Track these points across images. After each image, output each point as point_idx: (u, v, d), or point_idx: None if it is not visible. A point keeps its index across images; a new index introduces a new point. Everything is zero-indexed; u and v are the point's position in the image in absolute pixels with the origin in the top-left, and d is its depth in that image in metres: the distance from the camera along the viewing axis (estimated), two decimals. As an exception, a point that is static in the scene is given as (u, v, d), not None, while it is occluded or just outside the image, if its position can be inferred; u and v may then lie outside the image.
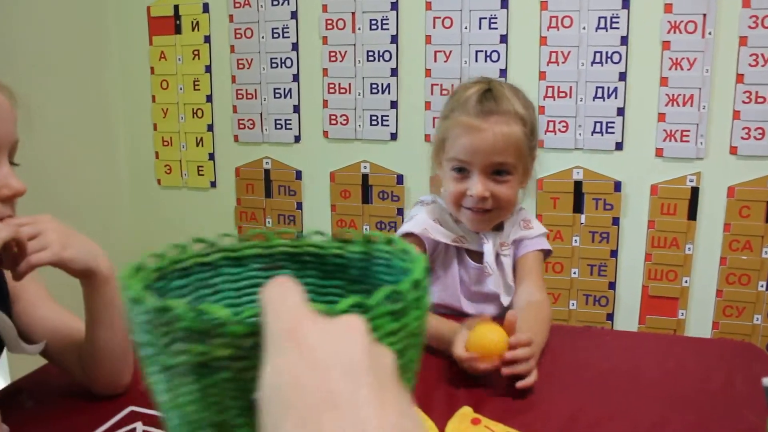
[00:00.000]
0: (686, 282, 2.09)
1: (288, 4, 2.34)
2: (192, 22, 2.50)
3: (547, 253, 1.32)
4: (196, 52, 2.51)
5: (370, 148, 2.34)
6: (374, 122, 2.30)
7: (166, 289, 0.51)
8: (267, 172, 2.51)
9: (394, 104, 2.27)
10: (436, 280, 1.27)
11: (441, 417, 0.83)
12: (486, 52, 2.15)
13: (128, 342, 0.86)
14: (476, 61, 2.16)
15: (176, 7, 2.50)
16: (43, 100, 2.26)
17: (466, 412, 0.85)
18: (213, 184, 2.62)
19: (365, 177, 2.35)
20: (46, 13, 2.27)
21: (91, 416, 0.82)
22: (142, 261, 0.48)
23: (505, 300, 1.24)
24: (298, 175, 2.46)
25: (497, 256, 1.25)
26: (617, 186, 2.08)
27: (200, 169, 2.62)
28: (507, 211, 1.22)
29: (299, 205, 2.49)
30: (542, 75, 2.10)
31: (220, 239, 0.55)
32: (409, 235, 1.23)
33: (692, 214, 2.04)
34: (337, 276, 0.60)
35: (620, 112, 2.06)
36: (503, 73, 2.13)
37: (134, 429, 0.78)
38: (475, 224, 1.22)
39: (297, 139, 2.44)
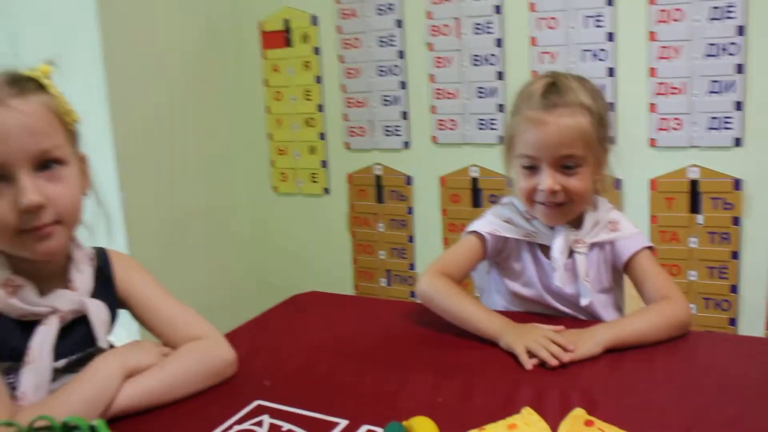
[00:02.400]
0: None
1: (393, 12, 2.54)
2: (302, 35, 2.76)
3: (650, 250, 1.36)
4: (306, 64, 2.78)
5: (478, 152, 2.51)
6: (482, 126, 2.47)
7: None
8: (378, 177, 2.74)
9: (501, 108, 2.43)
10: (516, 276, 1.39)
11: (554, 418, 0.89)
12: (593, 51, 2.25)
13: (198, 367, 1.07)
14: (583, 60, 2.27)
15: (286, 21, 2.77)
16: (161, 114, 2.61)
17: (579, 414, 0.91)
18: (326, 191, 2.89)
19: (475, 180, 2.52)
20: (164, 30, 2.63)
21: (222, 409, 1.01)
22: None
23: (582, 300, 1.30)
24: (408, 180, 2.67)
25: (571, 253, 1.32)
26: (737, 184, 2.14)
27: (314, 176, 2.90)
28: (580, 203, 1.28)
29: (410, 210, 2.70)
30: (652, 71, 2.19)
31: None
32: (473, 233, 1.37)
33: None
34: None
35: (738, 106, 2.11)
36: (612, 71, 2.23)
37: (261, 421, 0.97)
38: (550, 218, 1.30)
39: (406, 144, 2.65)
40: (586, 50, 2.27)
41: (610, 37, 2.23)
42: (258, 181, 3.05)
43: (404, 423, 0.88)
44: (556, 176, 1.24)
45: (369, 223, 2.82)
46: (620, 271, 1.36)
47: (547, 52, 2.32)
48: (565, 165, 1.24)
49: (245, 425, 0.96)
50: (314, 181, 2.91)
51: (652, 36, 2.18)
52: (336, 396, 1.03)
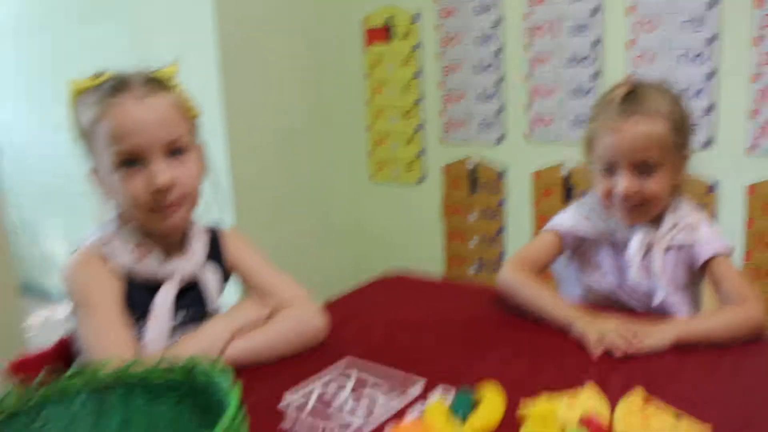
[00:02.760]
0: None
1: (491, 12, 2.62)
2: (403, 32, 2.88)
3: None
4: (406, 59, 2.89)
5: (572, 150, 2.55)
6: (576, 124, 2.52)
7: None
8: (471, 170, 2.83)
9: (595, 106, 2.46)
10: (593, 270, 1.45)
11: (614, 397, 0.95)
12: (691, 54, 2.26)
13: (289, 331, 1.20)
14: (681, 63, 2.28)
15: (388, 18, 2.89)
16: (268, 106, 2.80)
17: (638, 392, 0.96)
18: (421, 181, 3.00)
19: (566, 177, 2.57)
20: (274, 27, 2.80)
21: (316, 363, 1.14)
22: None
23: (655, 298, 1.36)
24: (501, 173, 2.75)
25: (647, 252, 1.36)
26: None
27: (410, 166, 3.02)
28: (656, 206, 1.33)
29: (501, 202, 2.78)
30: (753, 77, 2.17)
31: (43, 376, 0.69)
32: (553, 228, 1.44)
33: None
34: (167, 396, 0.74)
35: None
36: (710, 76, 2.23)
37: (350, 373, 1.09)
38: (627, 219, 1.34)
39: (501, 139, 2.72)
40: (681, 55, 2.28)
41: (711, 40, 2.23)
42: (356, 170, 3.21)
43: (475, 387, 0.98)
44: (632, 180, 1.29)
45: (461, 213, 2.92)
46: (698, 271, 1.39)
47: (641, 55, 2.35)
48: (641, 169, 1.29)
49: (335, 378, 1.09)
50: (410, 171, 3.04)
51: (755, 42, 2.17)
52: (416, 362, 1.14)
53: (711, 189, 2.28)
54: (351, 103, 3.14)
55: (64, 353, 1.27)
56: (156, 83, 1.13)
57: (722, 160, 2.26)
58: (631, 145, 1.28)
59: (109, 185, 1.13)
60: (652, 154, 1.28)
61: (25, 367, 1.20)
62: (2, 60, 3.81)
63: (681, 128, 1.31)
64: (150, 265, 1.16)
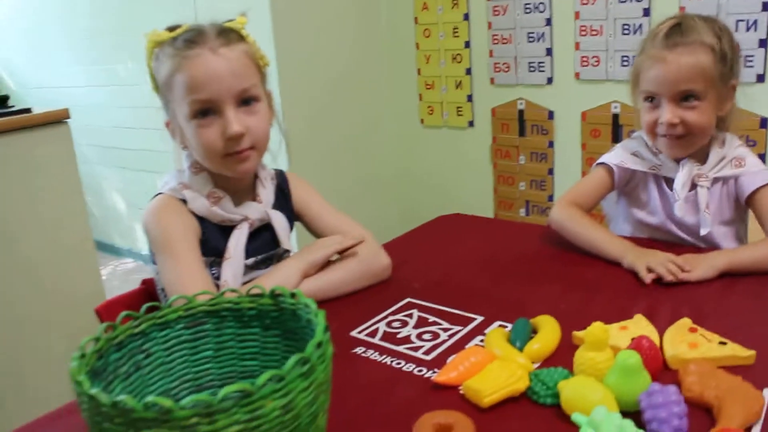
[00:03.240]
0: None
1: (542, -50, 2.60)
2: (452, -26, 2.87)
3: None
4: (455, 2, 2.91)
5: (620, 89, 2.55)
6: (625, 63, 2.51)
7: (105, 365, 0.71)
8: (521, 112, 2.85)
9: (646, 44, 2.45)
10: (642, 206, 1.50)
11: (662, 326, 1.00)
12: (747, -14, 2.22)
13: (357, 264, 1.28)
14: (736, -4, 2.24)
15: (437, -39, 2.89)
16: (319, 52, 2.85)
17: (685, 322, 1.01)
18: (471, 124, 3.03)
19: (615, 117, 2.58)
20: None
21: (380, 303, 1.23)
22: (82, 348, 0.67)
23: (702, 230, 1.38)
24: (551, 115, 2.77)
25: (693, 186, 1.40)
26: None
27: (459, 110, 3.05)
28: (701, 137, 1.35)
29: (551, 144, 2.80)
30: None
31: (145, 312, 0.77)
32: (602, 165, 1.49)
33: None
34: (253, 325, 0.81)
35: None
36: (766, 6, 2.19)
37: (411, 314, 1.18)
38: (671, 150, 1.38)
39: (549, 80, 2.74)
40: (738, -14, 2.24)
41: (766, -29, 2.19)
42: (407, 114, 3.25)
43: (531, 320, 1.05)
44: (675, 110, 1.32)
45: (510, 156, 2.95)
46: (743, 205, 1.42)
47: (697, -12, 2.31)
48: (684, 99, 1.32)
49: (398, 316, 1.17)
50: (459, 115, 3.07)
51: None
52: (473, 298, 1.21)
53: (763, 123, 2.27)
54: (401, 48, 3.16)
55: (144, 296, 1.38)
56: (229, 34, 1.18)
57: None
58: (675, 75, 1.30)
59: (185, 135, 1.20)
60: (696, 85, 1.31)
61: (111, 310, 1.31)
62: (72, 25, 3.91)
63: (726, 60, 1.32)
64: (223, 208, 1.24)
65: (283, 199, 1.36)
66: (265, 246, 1.31)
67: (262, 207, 1.29)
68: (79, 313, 2.07)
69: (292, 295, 0.79)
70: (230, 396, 0.57)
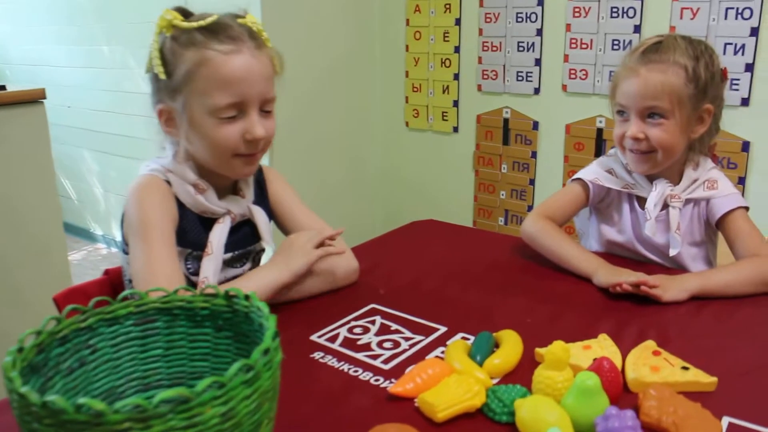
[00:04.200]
0: None
1: (536, -40, 2.60)
2: (445, -22, 2.86)
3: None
4: (447, 6, 2.90)
5: (606, 104, 2.54)
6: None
7: (46, 360, 0.67)
8: (506, 120, 2.84)
9: (634, 61, 2.45)
10: (612, 223, 1.50)
11: (627, 347, 1.00)
12: (737, 9, 2.22)
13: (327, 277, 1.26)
14: (725, 18, 2.25)
15: (431, -37, 2.88)
16: (309, 49, 2.82)
17: (649, 344, 1.01)
18: (455, 129, 3.03)
19: (600, 131, 2.58)
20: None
21: (344, 308, 1.21)
22: (21, 342, 0.64)
23: (671, 251, 1.38)
24: (535, 125, 2.76)
25: (665, 206, 1.40)
26: None
27: (444, 114, 3.04)
28: (666, 155, 1.35)
29: (533, 154, 2.80)
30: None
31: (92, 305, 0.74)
32: (578, 180, 1.49)
33: None
34: (206, 325, 0.79)
35: None
36: (754, 31, 2.20)
37: (374, 320, 1.16)
38: (636, 165, 1.38)
39: (536, 91, 2.73)
40: (729, 8, 2.25)
41: (757, -5, 2.20)
42: (392, 116, 3.23)
43: (494, 334, 1.04)
44: (640, 125, 1.33)
45: (493, 164, 2.94)
46: (714, 227, 1.42)
47: (689, 8, 2.31)
48: (650, 115, 1.33)
49: (361, 322, 1.15)
50: (445, 120, 3.06)
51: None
52: (438, 308, 1.20)
53: (745, 147, 2.28)
54: (390, 49, 3.15)
55: (106, 287, 1.35)
56: (259, 38, 1.17)
57: (758, 119, 2.25)
58: (643, 91, 1.31)
59: (191, 127, 1.15)
60: (661, 103, 1.31)
61: (70, 299, 1.27)
62: (55, 3, 3.86)
63: (699, 83, 1.31)
64: (208, 199, 1.21)
65: (261, 195, 1.34)
66: (241, 241, 1.28)
67: (245, 202, 1.27)
68: (44, 299, 2.03)
69: (246, 297, 0.77)
70: (167, 401, 0.55)
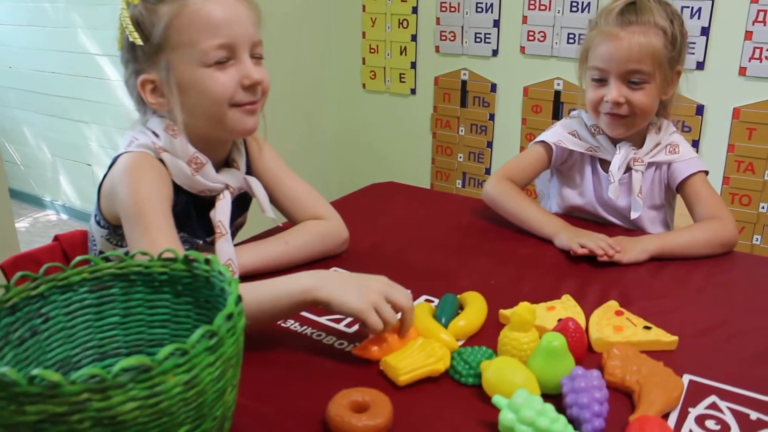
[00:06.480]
0: None
1: None
2: (402, -64, 2.81)
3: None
4: (404, -35, 2.84)
5: (564, 66, 2.55)
6: (571, 41, 2.51)
7: None
8: (464, 83, 2.82)
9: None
10: (574, 186, 1.50)
11: (590, 308, 1.01)
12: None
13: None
14: (682, -20, 2.26)
15: None
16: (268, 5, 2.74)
17: (611, 304, 1.02)
18: (413, 92, 3.00)
19: (557, 93, 2.58)
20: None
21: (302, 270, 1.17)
22: None
23: (632, 214, 1.39)
24: (493, 87, 2.75)
25: (628, 169, 1.41)
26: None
27: (402, 76, 3.00)
28: (643, 118, 1.35)
29: (491, 117, 2.79)
30: (752, -2, 2.16)
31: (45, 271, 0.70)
32: (541, 143, 1.48)
33: None
34: (164, 291, 0.75)
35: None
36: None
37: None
38: (613, 129, 1.37)
39: (495, 52, 2.71)
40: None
41: (713, -43, 2.20)
42: (349, 78, 3.18)
43: (458, 296, 1.03)
44: (621, 89, 1.32)
45: (450, 126, 2.93)
46: (673, 191, 1.44)
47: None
48: (631, 80, 1.32)
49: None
50: (402, 82, 3.02)
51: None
52: (401, 270, 1.17)
53: (699, 110, 2.30)
54: (347, 9, 3.09)
55: (57, 253, 1.30)
56: None
57: (712, 83, 2.27)
58: (626, 54, 1.30)
59: (181, 88, 1.06)
60: (645, 66, 1.30)
61: (18, 266, 1.21)
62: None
63: (676, 45, 1.32)
64: (206, 176, 1.12)
65: (248, 163, 1.25)
66: (234, 215, 1.20)
67: (240, 174, 1.19)
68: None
69: (207, 261, 0.74)
70: (127, 370, 0.52)
